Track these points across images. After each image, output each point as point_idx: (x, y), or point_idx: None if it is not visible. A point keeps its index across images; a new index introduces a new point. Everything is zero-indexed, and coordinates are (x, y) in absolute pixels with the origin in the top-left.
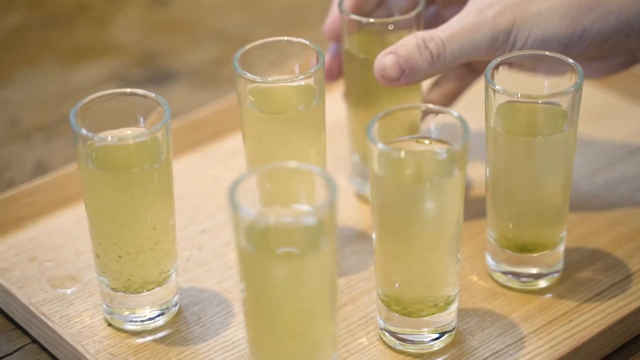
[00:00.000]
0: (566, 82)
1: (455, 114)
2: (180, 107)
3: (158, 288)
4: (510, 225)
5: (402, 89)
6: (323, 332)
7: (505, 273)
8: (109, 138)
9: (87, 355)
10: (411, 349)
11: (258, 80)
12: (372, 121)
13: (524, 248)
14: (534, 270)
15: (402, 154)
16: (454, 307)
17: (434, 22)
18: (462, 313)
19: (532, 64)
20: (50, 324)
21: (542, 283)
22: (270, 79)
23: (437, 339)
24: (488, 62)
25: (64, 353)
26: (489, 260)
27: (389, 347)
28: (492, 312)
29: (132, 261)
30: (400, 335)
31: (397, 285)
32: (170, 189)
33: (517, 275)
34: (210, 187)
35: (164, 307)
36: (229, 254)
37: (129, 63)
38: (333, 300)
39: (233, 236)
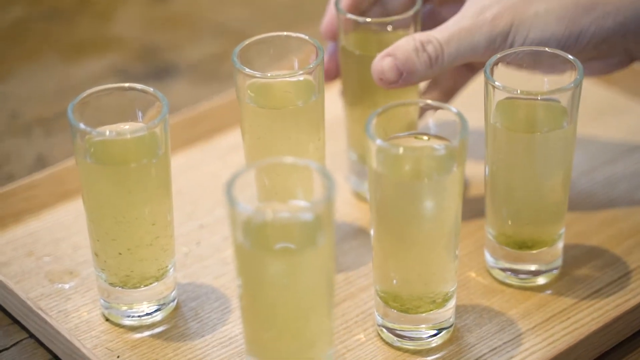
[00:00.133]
0: (566, 79)
1: (453, 110)
2: (180, 102)
3: (156, 283)
4: (509, 222)
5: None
6: (320, 328)
7: (503, 270)
8: (107, 133)
9: (83, 350)
10: (409, 345)
11: (257, 75)
12: (370, 117)
13: (522, 245)
14: (533, 267)
15: (401, 150)
16: (452, 303)
17: (430, 20)
18: (460, 309)
19: (531, 63)
20: (48, 319)
21: (541, 280)
22: (269, 74)
23: (435, 335)
24: (486, 61)
25: (61, 348)
26: (488, 257)
27: (387, 343)
28: (490, 308)
29: (131, 257)
30: (398, 332)
31: (395, 281)
32: (169, 184)
33: (515, 272)
34: (209, 183)
35: (161, 302)
36: (227, 249)
37: (130, 58)
38: (330, 297)
39: (230, 232)
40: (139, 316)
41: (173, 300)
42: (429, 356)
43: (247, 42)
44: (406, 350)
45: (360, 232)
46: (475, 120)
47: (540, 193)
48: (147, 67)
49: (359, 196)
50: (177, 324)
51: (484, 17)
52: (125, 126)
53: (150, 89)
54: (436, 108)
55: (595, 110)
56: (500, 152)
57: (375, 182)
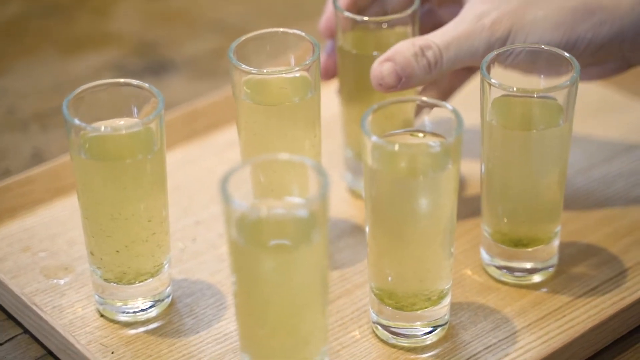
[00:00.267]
0: (562, 79)
1: (449, 107)
2: (178, 98)
3: (151, 279)
4: (505, 220)
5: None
6: (314, 325)
7: (499, 267)
8: (102, 128)
9: (77, 346)
10: (404, 342)
11: (253, 71)
12: (366, 114)
13: (518, 243)
14: (528, 265)
15: (396, 147)
16: (447, 301)
17: (428, 19)
18: (455, 307)
19: (528, 66)
20: (42, 315)
21: (536, 278)
22: (265, 71)
23: (429, 332)
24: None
25: (55, 344)
26: (484, 254)
27: (382, 340)
28: (486, 306)
29: (128, 253)
30: (392, 329)
31: (390, 278)
32: (164, 180)
33: (511, 269)
34: (206, 179)
35: (156, 298)
36: (223, 245)
37: (128, 53)
38: (324, 294)
39: (225, 228)
40: (133, 312)
41: (168, 297)
42: (423, 353)
43: (243, 38)
44: (401, 348)
45: (356, 229)
46: (472, 119)
47: (536, 191)
48: (145, 62)
49: (355, 194)
50: (172, 320)
51: (483, 22)
52: (121, 122)
53: (146, 85)
54: (432, 105)
55: (593, 108)
56: (496, 149)
57: (370, 179)
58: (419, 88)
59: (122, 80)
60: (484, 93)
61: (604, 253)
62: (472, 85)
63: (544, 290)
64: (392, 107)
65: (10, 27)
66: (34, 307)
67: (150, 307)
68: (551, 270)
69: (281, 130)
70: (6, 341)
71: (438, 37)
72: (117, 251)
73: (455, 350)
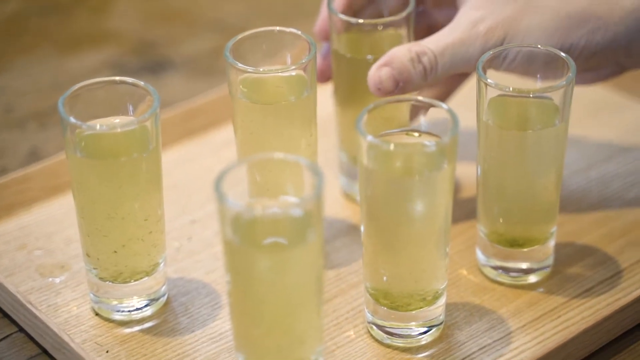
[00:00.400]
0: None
1: (444, 107)
2: (175, 97)
3: (146, 278)
4: (501, 220)
5: None
6: (309, 325)
7: (495, 268)
8: (98, 126)
9: (72, 345)
10: (399, 342)
11: (249, 70)
12: (361, 113)
13: (514, 243)
14: (524, 265)
15: (391, 146)
16: (442, 301)
17: (422, 21)
18: (450, 307)
19: (524, 70)
20: (37, 313)
21: (532, 278)
22: (261, 69)
23: (424, 332)
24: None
25: (50, 342)
26: (479, 254)
27: (377, 340)
28: (481, 306)
29: (124, 253)
30: (387, 329)
31: (385, 278)
32: (160, 179)
33: (507, 270)
34: (202, 177)
35: (151, 297)
36: (219, 244)
37: (126, 52)
38: (319, 293)
39: (219, 227)
40: (128, 311)
41: (163, 295)
42: (418, 354)
43: (239, 37)
44: (396, 348)
45: (351, 229)
46: (469, 119)
47: (532, 191)
48: (143, 61)
49: (350, 197)
50: (167, 319)
51: (477, 29)
52: (116, 120)
53: (141, 83)
54: (428, 105)
55: (590, 108)
56: (492, 149)
57: (365, 179)
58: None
59: (117, 78)
60: (480, 93)
61: (600, 254)
62: (468, 85)
63: (540, 290)
64: (387, 106)
65: (9, 25)
66: (29, 306)
67: (146, 305)
68: (547, 270)
69: (277, 129)
70: (1, 340)
71: (433, 43)
72: (115, 251)
73: (450, 351)
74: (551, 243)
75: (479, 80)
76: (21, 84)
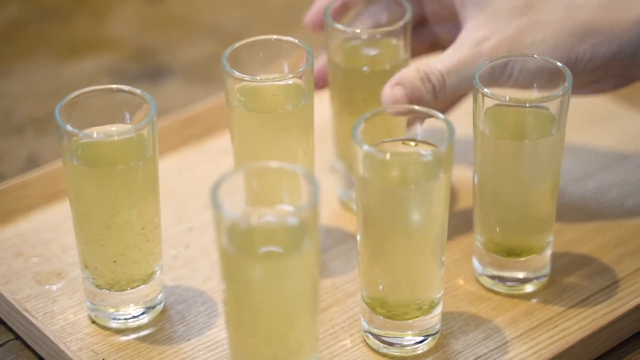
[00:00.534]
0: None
1: (440, 116)
2: (175, 104)
3: (143, 286)
4: (497, 229)
5: None
6: (305, 334)
7: (491, 277)
8: (94, 134)
9: (68, 353)
10: (395, 351)
11: (246, 78)
12: (357, 123)
13: (510, 252)
14: (521, 275)
15: (387, 156)
16: (438, 310)
17: (425, 38)
18: (447, 316)
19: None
20: (33, 321)
21: (529, 288)
22: (258, 78)
23: (420, 342)
24: None
25: (46, 350)
26: (476, 264)
27: (373, 349)
28: (477, 316)
29: (122, 261)
30: (383, 338)
31: (381, 287)
32: (156, 187)
33: (503, 279)
34: (200, 185)
35: (148, 305)
36: (216, 252)
37: (125, 58)
38: (315, 302)
39: (215, 236)
40: (125, 319)
41: (160, 303)
42: None
43: (236, 45)
44: (392, 357)
45: (348, 238)
46: (464, 128)
47: (528, 200)
48: (142, 67)
49: (347, 206)
50: (163, 327)
51: (482, 48)
52: (113, 128)
53: (138, 91)
54: (424, 115)
55: (588, 117)
56: (488, 159)
57: (361, 188)
58: None
59: (114, 86)
60: (477, 102)
61: (597, 263)
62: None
63: (536, 300)
64: (384, 116)
65: (8, 30)
66: (25, 313)
67: (142, 313)
68: (543, 280)
69: (274, 138)
70: None
71: (439, 63)
72: (114, 261)
73: None
74: (548, 252)
75: (475, 90)
76: (19, 90)
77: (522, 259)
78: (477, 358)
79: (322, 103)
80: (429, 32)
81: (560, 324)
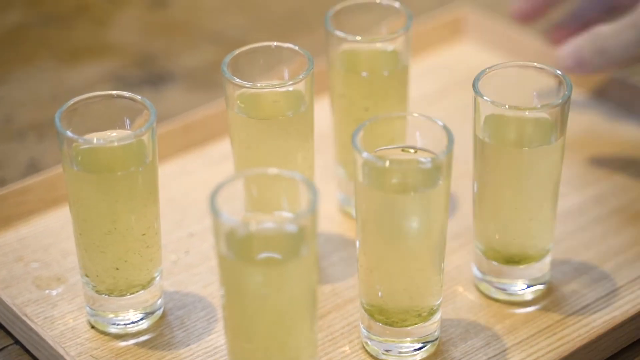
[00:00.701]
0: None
1: (440, 123)
2: (176, 110)
3: (142, 291)
4: (497, 237)
5: (388, 103)
6: (303, 340)
7: (491, 284)
8: (94, 140)
9: (67, 358)
10: (394, 358)
11: (246, 85)
12: (357, 129)
13: (510, 260)
14: (520, 282)
15: (387, 163)
16: (437, 317)
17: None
18: (446, 323)
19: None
20: (33, 326)
21: (528, 295)
22: (258, 84)
23: (419, 349)
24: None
25: (45, 355)
26: (475, 271)
27: (372, 356)
28: (476, 323)
29: (123, 267)
30: (383, 345)
31: (380, 294)
32: (156, 193)
33: (502, 286)
34: (200, 191)
35: (147, 310)
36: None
37: (126, 64)
38: (313, 308)
39: (214, 242)
40: (124, 324)
41: (159, 309)
42: None
43: (237, 52)
44: None
45: (348, 244)
46: (466, 134)
47: (528, 208)
48: (143, 73)
49: (346, 213)
50: (162, 332)
51: None
52: (113, 134)
53: (138, 97)
54: (423, 121)
55: (589, 124)
56: (488, 166)
57: (361, 195)
58: (410, 106)
59: (114, 92)
60: (476, 110)
61: (596, 271)
62: (464, 100)
63: (535, 307)
64: (383, 122)
65: (9, 35)
66: (25, 318)
67: (141, 319)
68: (543, 287)
69: (274, 144)
70: None
71: (608, 28)
72: (117, 268)
73: None
74: (547, 260)
75: (475, 97)
76: (20, 95)
77: (522, 266)
78: None
79: (323, 109)
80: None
81: (559, 332)
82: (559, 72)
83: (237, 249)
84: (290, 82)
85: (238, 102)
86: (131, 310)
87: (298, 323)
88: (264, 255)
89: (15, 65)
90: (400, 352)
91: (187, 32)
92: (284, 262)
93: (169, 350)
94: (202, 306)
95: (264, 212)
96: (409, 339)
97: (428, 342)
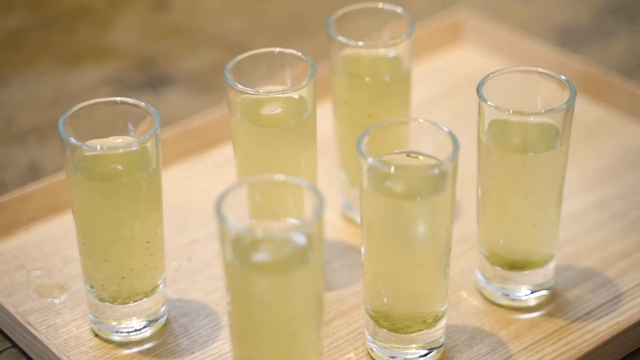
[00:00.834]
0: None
1: (445, 129)
2: (176, 113)
3: (146, 299)
4: (501, 242)
5: (391, 109)
6: (309, 347)
7: (495, 290)
8: (98, 147)
9: None
10: None
11: (249, 91)
12: (362, 135)
13: (514, 265)
14: (524, 288)
15: (392, 169)
16: (442, 323)
17: None
18: (451, 329)
19: None
20: (36, 334)
21: (532, 301)
22: (261, 91)
23: (425, 355)
24: None
25: None
26: (479, 276)
27: None
28: (482, 329)
29: (127, 275)
30: (388, 351)
31: (385, 300)
32: (160, 199)
33: (507, 292)
34: (202, 197)
35: (151, 318)
36: (219, 265)
37: (127, 67)
38: (319, 315)
39: (220, 248)
40: (127, 332)
41: (163, 316)
42: None
43: (239, 57)
44: None
45: (351, 250)
46: (471, 139)
47: (532, 213)
48: (144, 76)
49: (349, 218)
50: (166, 340)
51: None
52: (118, 140)
53: (142, 103)
54: (428, 127)
55: (590, 129)
56: (492, 171)
57: (366, 201)
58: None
59: (118, 98)
60: (481, 115)
61: (600, 276)
62: (464, 104)
63: (540, 313)
64: (388, 128)
65: (11, 38)
66: (28, 327)
67: (145, 327)
68: (547, 293)
69: (277, 151)
70: None
71: None
72: (123, 277)
73: None
74: (551, 265)
75: (479, 102)
76: (21, 98)
77: (526, 272)
78: None
79: (325, 114)
80: None
81: (564, 337)
82: (563, 77)
83: (244, 256)
84: (294, 89)
85: (241, 108)
86: (134, 318)
87: (304, 330)
88: (270, 262)
89: (16, 68)
90: (405, 359)
91: (187, 36)
92: (291, 269)
93: (173, 358)
94: (205, 313)
95: (268, 218)
96: (414, 346)
97: (433, 348)
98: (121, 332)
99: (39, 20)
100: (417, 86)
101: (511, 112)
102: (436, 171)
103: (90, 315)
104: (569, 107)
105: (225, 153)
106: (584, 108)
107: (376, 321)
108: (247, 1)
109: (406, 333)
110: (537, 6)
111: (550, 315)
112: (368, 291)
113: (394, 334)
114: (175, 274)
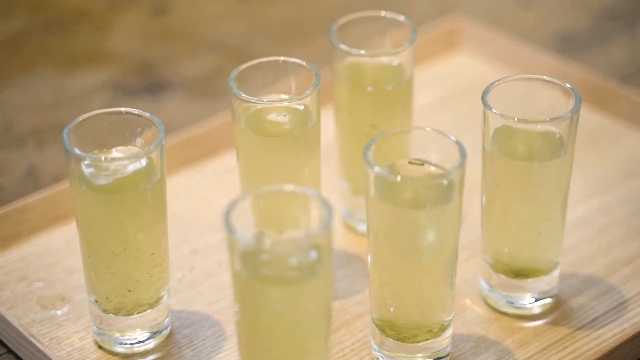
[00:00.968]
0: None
1: (452, 138)
2: (175, 119)
3: (149, 310)
4: (506, 250)
5: (394, 117)
6: (317, 357)
7: (499, 298)
8: (102, 158)
9: None
10: None
11: (253, 100)
12: (368, 144)
13: (519, 273)
14: (529, 296)
15: (399, 178)
16: (448, 332)
17: None
18: (456, 338)
19: None
20: (40, 347)
21: (537, 309)
22: (265, 100)
23: None
24: None
25: None
26: (483, 284)
27: None
28: (487, 337)
29: (135, 288)
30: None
31: (391, 309)
32: (164, 210)
33: (511, 300)
34: (203, 206)
35: (154, 329)
36: (222, 275)
37: (126, 72)
38: (327, 325)
39: (228, 259)
40: (131, 343)
41: (166, 328)
42: None
43: (243, 66)
44: None
45: (353, 259)
46: (476, 147)
47: (536, 221)
48: (143, 81)
49: (350, 227)
50: (170, 351)
51: None
52: (122, 150)
53: (147, 114)
54: (435, 136)
55: (592, 136)
56: (496, 179)
57: (372, 210)
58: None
59: (123, 109)
60: (485, 122)
61: (604, 283)
62: (463, 111)
63: (545, 321)
64: (394, 137)
65: (10, 42)
66: (32, 339)
67: (148, 338)
68: (551, 301)
69: (281, 160)
70: None
71: None
72: (129, 290)
73: None
74: (556, 273)
75: (484, 110)
76: (20, 101)
77: (530, 280)
78: None
79: (326, 121)
80: None
81: (569, 345)
82: (567, 85)
83: (252, 267)
84: (298, 98)
85: (244, 117)
86: (138, 330)
87: (313, 339)
88: (279, 273)
89: (15, 72)
90: None
91: (187, 40)
92: (300, 280)
93: None
94: (209, 324)
95: (274, 228)
96: (420, 355)
97: (440, 357)
98: (125, 344)
99: (39, 24)
100: (416, 92)
101: (516, 119)
102: (445, 181)
103: (94, 327)
104: (574, 115)
105: (226, 161)
106: (586, 116)
107: (382, 330)
108: (246, 6)
109: (412, 342)
110: (536, 13)
111: (555, 323)
112: (374, 300)
113: (400, 343)
114: (178, 285)
